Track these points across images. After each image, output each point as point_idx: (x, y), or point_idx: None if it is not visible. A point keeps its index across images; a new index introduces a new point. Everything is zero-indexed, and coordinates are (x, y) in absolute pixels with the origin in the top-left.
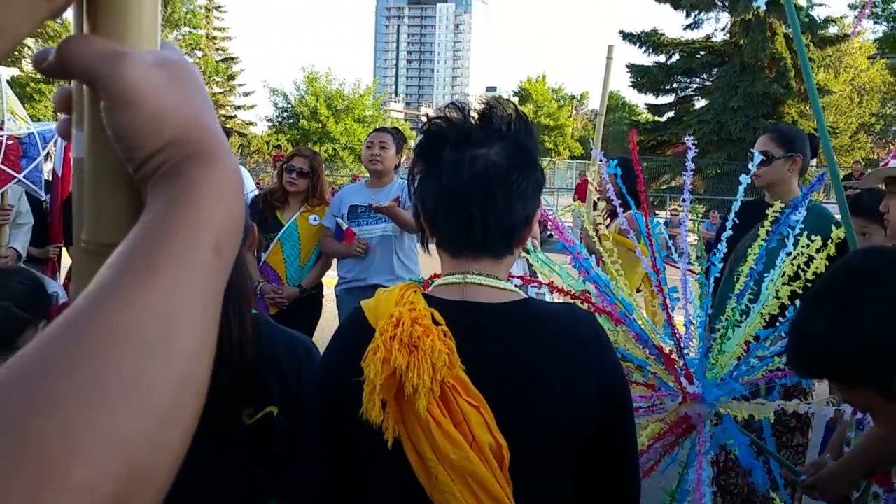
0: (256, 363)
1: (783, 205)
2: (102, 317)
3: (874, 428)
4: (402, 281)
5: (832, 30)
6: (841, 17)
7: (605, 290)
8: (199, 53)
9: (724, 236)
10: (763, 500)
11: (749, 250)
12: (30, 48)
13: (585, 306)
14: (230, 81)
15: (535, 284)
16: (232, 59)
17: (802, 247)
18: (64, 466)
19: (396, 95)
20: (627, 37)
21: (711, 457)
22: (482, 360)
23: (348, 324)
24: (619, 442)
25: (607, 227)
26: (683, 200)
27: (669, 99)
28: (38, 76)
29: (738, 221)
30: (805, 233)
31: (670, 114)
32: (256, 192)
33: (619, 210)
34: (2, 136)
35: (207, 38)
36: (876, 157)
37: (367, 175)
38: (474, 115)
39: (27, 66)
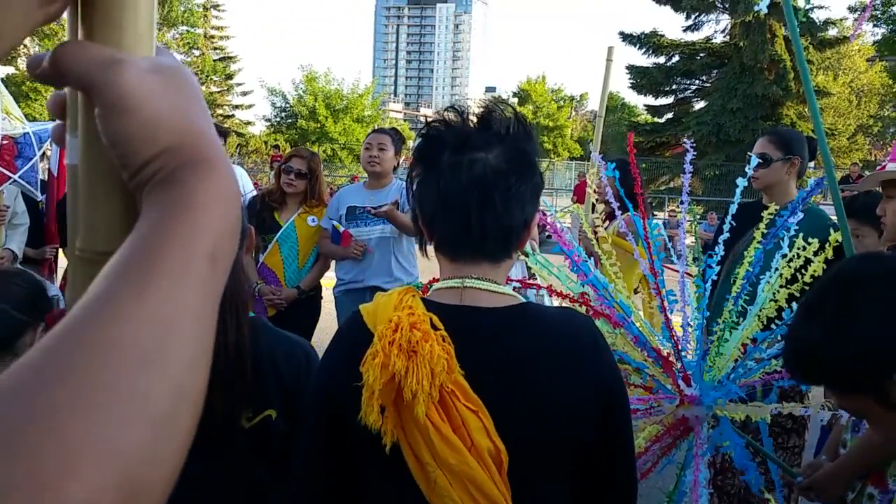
0: (255, 367)
1: (777, 207)
2: (98, 328)
3: (869, 430)
4: (401, 283)
5: (832, 32)
6: (840, 20)
7: (603, 292)
8: (197, 52)
9: (721, 239)
10: (759, 501)
11: (746, 253)
12: (25, 46)
13: (584, 309)
14: (228, 81)
15: (534, 287)
16: (230, 57)
17: (798, 249)
18: (61, 481)
19: (395, 96)
20: (627, 38)
21: (708, 458)
22: (481, 364)
23: (347, 328)
24: (617, 444)
25: (605, 229)
26: (682, 202)
27: (668, 100)
28: None
29: (735, 224)
30: (801, 235)
31: (669, 115)
32: (255, 192)
33: (618, 213)
34: None
35: (205, 36)
36: (874, 158)
37: (366, 176)
38: (473, 118)
39: (22, 64)
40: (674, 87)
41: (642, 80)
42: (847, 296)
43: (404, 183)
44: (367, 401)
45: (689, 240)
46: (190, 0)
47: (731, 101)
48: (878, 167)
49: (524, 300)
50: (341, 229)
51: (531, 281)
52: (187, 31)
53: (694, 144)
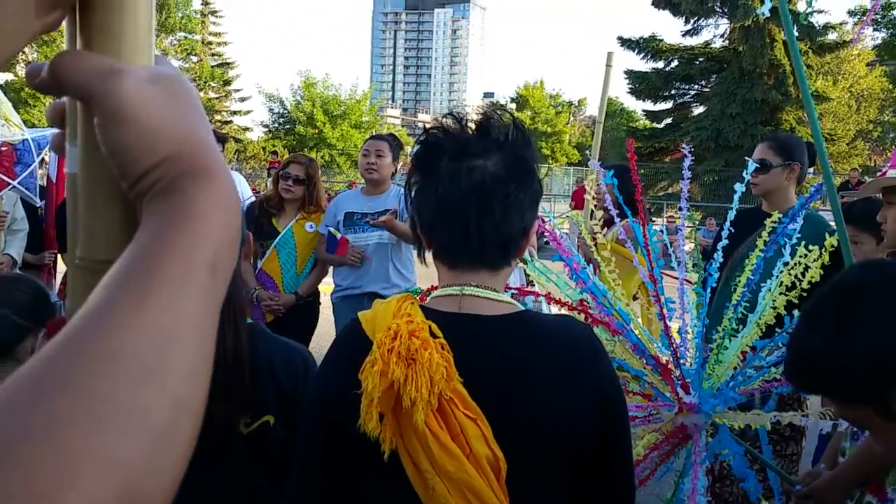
0: (253, 373)
1: (781, 215)
2: (98, 339)
3: (869, 439)
4: (398, 289)
5: (831, 36)
6: (840, 24)
7: (602, 300)
8: (195, 58)
9: (719, 245)
10: None
11: (747, 260)
12: (23, 53)
13: (582, 317)
14: (226, 87)
15: (532, 295)
16: (228, 64)
17: (800, 256)
18: (60, 492)
19: (393, 101)
20: (626, 43)
21: (707, 466)
22: (480, 372)
23: (345, 335)
24: (616, 452)
25: (604, 235)
26: (680, 208)
27: (667, 105)
28: None
29: (733, 230)
30: (802, 242)
31: (668, 120)
32: (253, 198)
33: (617, 220)
34: None
35: (203, 43)
36: (873, 164)
37: (364, 182)
38: (471, 125)
39: (21, 71)
40: (672, 92)
41: (641, 85)
42: (849, 304)
43: (401, 189)
44: (366, 408)
45: (689, 245)
46: (188, 6)
47: (730, 106)
48: (879, 173)
49: (523, 308)
50: (339, 236)
51: (529, 288)
52: (185, 38)
53: (692, 150)
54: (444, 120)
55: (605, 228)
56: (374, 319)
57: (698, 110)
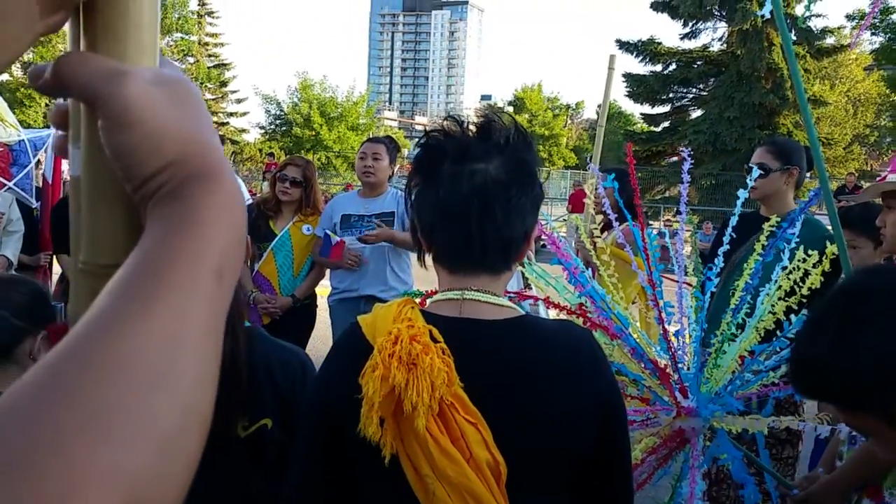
0: (250, 376)
1: (779, 219)
2: (105, 346)
3: (867, 443)
4: (396, 291)
5: (829, 41)
6: (838, 28)
7: (600, 304)
8: (192, 59)
9: (720, 251)
10: None
11: (745, 264)
12: None
13: (581, 321)
14: (222, 88)
15: (530, 299)
16: (224, 65)
17: (799, 261)
18: (67, 502)
19: (390, 103)
20: (624, 45)
21: (704, 469)
22: (480, 376)
23: (345, 340)
24: (615, 456)
25: (603, 239)
26: (679, 212)
27: (665, 109)
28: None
29: (734, 235)
30: (801, 247)
31: (666, 124)
32: (250, 200)
33: (616, 223)
34: None
35: (200, 43)
36: (870, 168)
37: (360, 184)
38: (472, 128)
39: (17, 71)
40: (670, 95)
41: (639, 88)
42: (853, 311)
43: (398, 191)
44: (367, 413)
45: (687, 248)
46: (185, 7)
47: (727, 110)
48: (878, 178)
49: (523, 312)
50: (336, 239)
51: (527, 293)
52: (182, 39)
53: (691, 153)
54: (444, 122)
55: (605, 232)
56: (375, 323)
57: (696, 114)
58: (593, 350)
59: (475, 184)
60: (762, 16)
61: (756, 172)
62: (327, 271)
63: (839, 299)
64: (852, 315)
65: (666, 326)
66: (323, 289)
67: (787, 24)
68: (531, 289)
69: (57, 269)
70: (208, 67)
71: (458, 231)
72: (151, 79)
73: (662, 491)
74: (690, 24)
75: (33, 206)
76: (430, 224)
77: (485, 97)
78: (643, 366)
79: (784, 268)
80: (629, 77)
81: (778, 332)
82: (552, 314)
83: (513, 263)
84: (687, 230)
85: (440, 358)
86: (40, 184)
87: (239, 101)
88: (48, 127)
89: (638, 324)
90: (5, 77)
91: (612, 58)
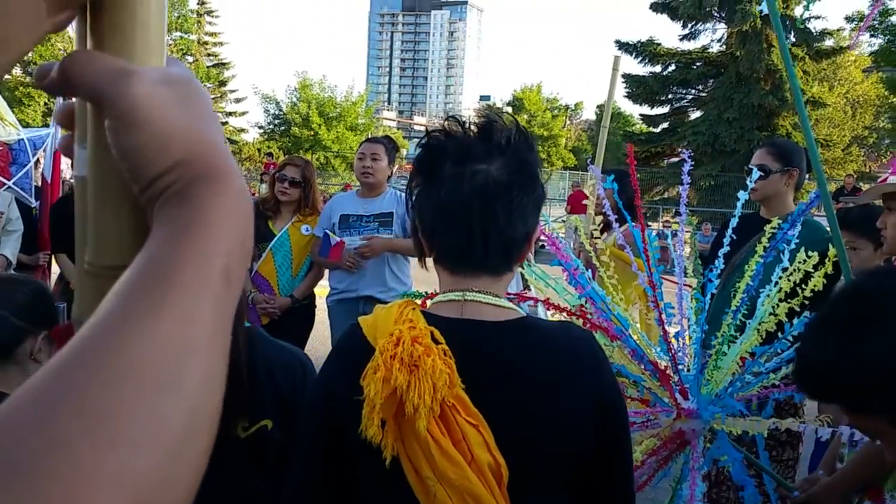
0: (251, 376)
1: (780, 220)
2: (114, 349)
3: (867, 444)
4: (395, 292)
5: (828, 42)
6: (837, 30)
7: (601, 305)
8: (190, 58)
9: (720, 252)
10: None
11: (746, 266)
12: None
13: (581, 322)
14: (221, 87)
15: (530, 301)
16: (223, 64)
17: (799, 262)
18: None
19: (389, 104)
20: (623, 46)
21: (704, 471)
22: (482, 378)
23: (346, 341)
24: (616, 458)
25: (603, 240)
26: (679, 214)
27: (664, 110)
28: (28, 80)
29: (734, 237)
30: (802, 248)
31: (665, 125)
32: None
33: (616, 225)
34: None
35: (199, 43)
36: (868, 170)
37: (359, 184)
38: (473, 128)
39: (16, 69)
40: (670, 96)
41: (638, 89)
42: (859, 313)
43: (397, 192)
44: (368, 414)
45: (686, 249)
46: (184, 6)
47: (727, 111)
48: (879, 179)
49: (524, 314)
50: (336, 239)
51: (527, 294)
52: (181, 37)
53: (691, 154)
54: (445, 123)
55: (604, 233)
56: (376, 325)
57: (695, 115)
58: (594, 351)
59: (477, 184)
60: (760, 10)
61: (756, 174)
62: (326, 272)
63: (844, 301)
64: (858, 317)
65: (666, 328)
66: (322, 289)
67: (787, 25)
68: (530, 290)
69: (56, 268)
70: (207, 67)
71: (460, 232)
72: (159, 78)
73: (662, 493)
74: (690, 26)
75: (32, 206)
76: (432, 225)
77: (484, 97)
78: (643, 367)
79: (784, 269)
80: (628, 78)
81: (779, 334)
82: (549, 315)
83: (514, 264)
84: (686, 231)
85: (442, 359)
86: (39, 183)
87: (238, 100)
88: (47, 126)
89: (638, 325)
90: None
91: (616, 59)
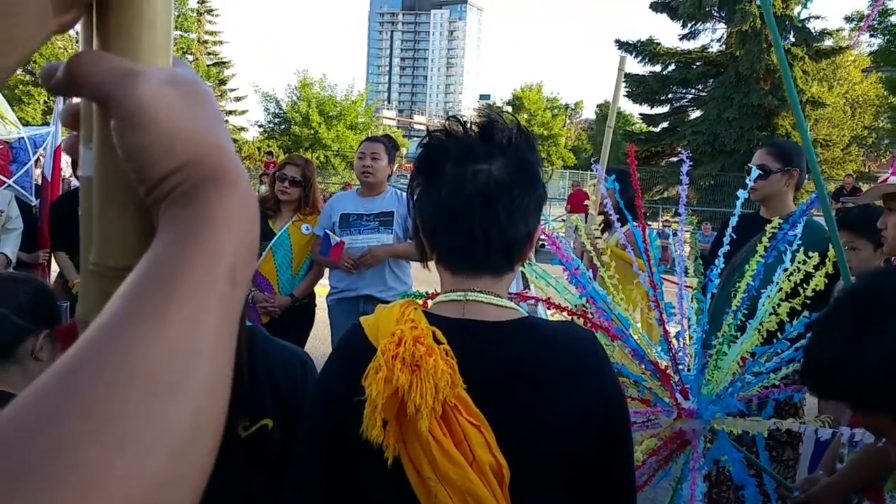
0: (251, 375)
1: (781, 220)
2: (119, 352)
3: (867, 445)
4: (395, 292)
5: (827, 42)
6: (837, 30)
7: (601, 305)
8: (190, 57)
9: (720, 252)
10: None
11: (747, 266)
12: None
13: (581, 321)
14: (221, 86)
15: (531, 300)
16: (223, 63)
17: (799, 263)
18: None
19: (389, 102)
20: (623, 46)
21: (705, 471)
22: (483, 378)
23: (347, 340)
24: (617, 457)
25: (604, 240)
26: (678, 213)
27: (664, 109)
28: (27, 78)
29: (734, 237)
30: (802, 248)
31: (664, 124)
32: None
33: (617, 224)
34: None
35: (199, 41)
36: (868, 170)
37: (359, 183)
38: (474, 128)
39: None
40: (669, 96)
41: (638, 88)
42: (866, 312)
43: (398, 191)
44: (370, 415)
45: (686, 249)
46: (184, 5)
47: (726, 111)
48: (880, 180)
49: (526, 314)
50: (336, 239)
51: (528, 293)
52: (181, 36)
53: (690, 154)
54: (446, 123)
55: (604, 233)
56: (377, 324)
57: (695, 114)
58: (596, 351)
59: (478, 184)
60: (760, 10)
61: (755, 173)
62: (326, 270)
63: (849, 302)
64: (862, 317)
65: (667, 327)
66: (322, 288)
67: (787, 25)
68: (530, 289)
69: (56, 266)
70: (207, 65)
71: (461, 232)
72: (165, 79)
73: (662, 493)
74: (689, 25)
75: (32, 204)
76: (433, 225)
77: (483, 96)
78: (644, 367)
79: (785, 269)
80: (628, 77)
81: (779, 335)
82: (549, 314)
83: (515, 264)
84: (686, 231)
85: (443, 359)
86: (39, 181)
87: (238, 99)
88: (47, 124)
89: (639, 325)
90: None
91: (622, 59)
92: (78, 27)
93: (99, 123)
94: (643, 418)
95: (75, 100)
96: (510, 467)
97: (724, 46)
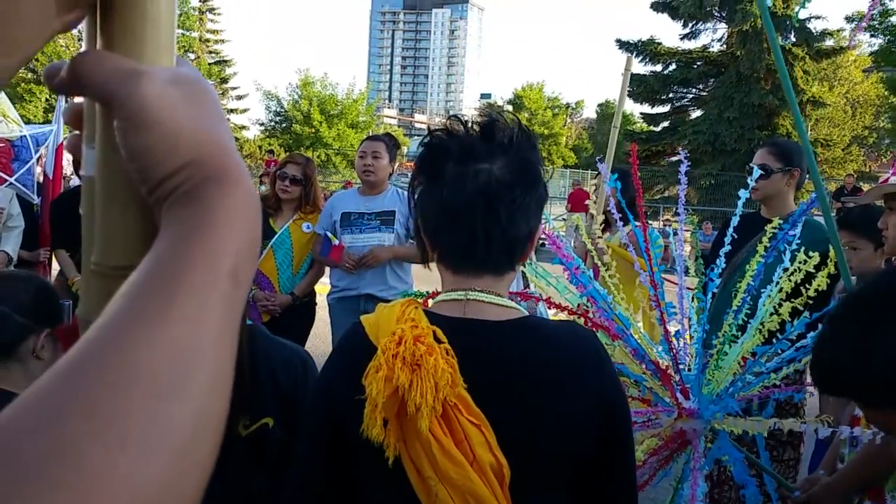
0: (252, 374)
1: (781, 220)
2: (121, 352)
3: (868, 445)
4: (395, 291)
5: (828, 42)
6: (838, 31)
7: (602, 304)
8: (192, 56)
9: (722, 252)
10: None
11: (748, 266)
12: None
13: (582, 321)
14: (223, 84)
15: (532, 300)
16: (225, 61)
17: (799, 263)
18: None
19: (390, 101)
20: (624, 45)
21: (706, 471)
22: (484, 378)
23: (348, 339)
24: (618, 457)
25: (605, 239)
26: (678, 213)
27: (665, 109)
28: (29, 76)
29: (735, 236)
30: (802, 248)
31: (665, 123)
32: None
33: (620, 224)
34: None
35: (200, 40)
36: (868, 169)
37: (360, 182)
38: (476, 127)
39: None
40: (670, 95)
41: (639, 88)
42: (876, 310)
43: (399, 190)
44: (370, 414)
45: (687, 248)
46: (186, 3)
47: (727, 111)
48: (881, 180)
49: (527, 313)
50: (336, 242)
51: (526, 290)
52: (183, 35)
53: (689, 154)
54: (448, 122)
55: (605, 232)
56: (378, 323)
57: (695, 114)
58: (597, 350)
59: (479, 184)
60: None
61: (756, 173)
62: (327, 269)
63: (862, 299)
64: (875, 314)
65: (667, 327)
66: (322, 286)
67: (787, 25)
68: (530, 288)
69: (56, 264)
70: (209, 64)
71: (463, 231)
72: (168, 79)
73: (662, 492)
74: (690, 25)
75: (34, 202)
76: (434, 224)
77: (484, 96)
78: (644, 367)
79: (785, 269)
80: (629, 77)
81: (779, 335)
82: (551, 314)
83: (517, 264)
84: (687, 230)
85: (444, 359)
86: (41, 179)
87: (239, 97)
88: (49, 122)
89: (641, 325)
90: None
91: (628, 60)
92: (82, 26)
93: (102, 123)
94: (644, 418)
95: (78, 99)
96: (511, 467)
97: (724, 46)
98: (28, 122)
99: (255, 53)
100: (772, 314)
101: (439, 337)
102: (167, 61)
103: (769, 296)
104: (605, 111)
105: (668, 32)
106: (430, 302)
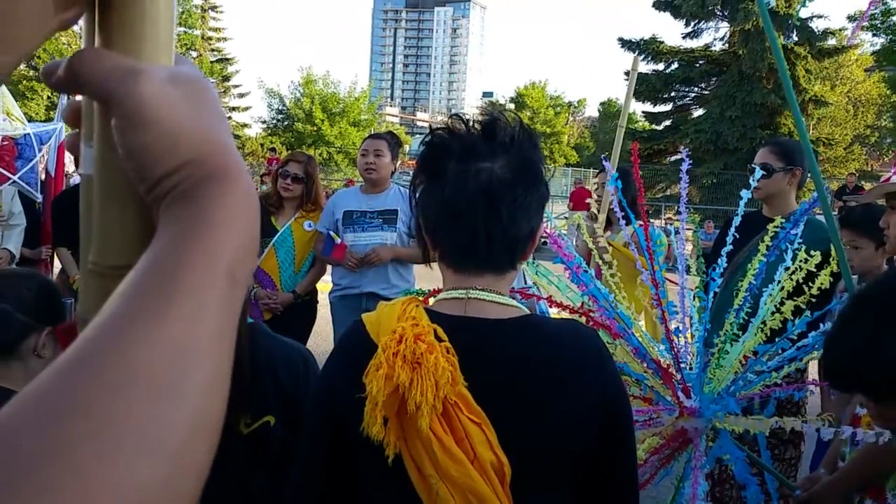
0: (253, 372)
1: (783, 219)
2: (118, 353)
3: (868, 444)
4: (397, 289)
5: (830, 41)
6: (840, 30)
7: (603, 303)
8: (194, 54)
9: (723, 251)
10: None
11: (749, 265)
12: None
13: (584, 320)
14: (225, 82)
15: (533, 298)
16: (227, 59)
17: (801, 261)
18: None
19: (392, 100)
20: (626, 44)
21: (707, 470)
22: (485, 376)
23: (349, 338)
24: (620, 455)
25: (606, 238)
26: (679, 212)
27: (667, 108)
28: (31, 73)
29: (737, 235)
30: (804, 247)
31: (667, 122)
32: None
33: (622, 223)
34: None
35: (203, 38)
36: (870, 168)
37: (362, 180)
38: (477, 126)
39: None
40: (672, 94)
41: (641, 86)
42: (886, 307)
43: (401, 188)
44: (371, 412)
45: (688, 247)
46: (188, 1)
47: (729, 110)
48: (883, 179)
49: (528, 311)
50: (338, 240)
51: (527, 288)
52: (185, 33)
53: (690, 153)
54: (449, 121)
55: (606, 231)
56: (379, 322)
57: (697, 113)
58: (599, 348)
59: (481, 183)
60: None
61: (759, 173)
62: (328, 267)
63: (872, 296)
64: (886, 311)
65: (668, 326)
66: (324, 284)
67: (789, 24)
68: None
69: (58, 262)
70: (211, 62)
71: (464, 230)
72: (167, 77)
73: (664, 491)
74: (693, 24)
75: (37, 200)
76: (435, 223)
77: (486, 94)
78: (646, 365)
79: (787, 268)
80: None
81: (780, 333)
82: (553, 312)
83: (518, 262)
84: (689, 229)
85: (445, 357)
86: (43, 177)
87: (241, 95)
88: (50, 120)
89: (643, 324)
90: (13, 72)
91: (635, 59)
92: (81, 24)
93: (100, 121)
94: (645, 416)
95: (77, 97)
96: (512, 465)
97: (726, 45)
98: (30, 119)
99: (258, 51)
100: (773, 313)
101: (440, 335)
102: (166, 59)
103: (770, 295)
104: (608, 109)
105: (671, 31)
106: (432, 300)
